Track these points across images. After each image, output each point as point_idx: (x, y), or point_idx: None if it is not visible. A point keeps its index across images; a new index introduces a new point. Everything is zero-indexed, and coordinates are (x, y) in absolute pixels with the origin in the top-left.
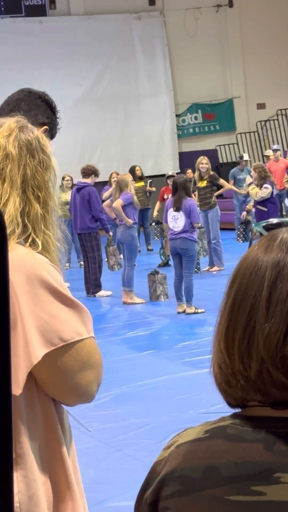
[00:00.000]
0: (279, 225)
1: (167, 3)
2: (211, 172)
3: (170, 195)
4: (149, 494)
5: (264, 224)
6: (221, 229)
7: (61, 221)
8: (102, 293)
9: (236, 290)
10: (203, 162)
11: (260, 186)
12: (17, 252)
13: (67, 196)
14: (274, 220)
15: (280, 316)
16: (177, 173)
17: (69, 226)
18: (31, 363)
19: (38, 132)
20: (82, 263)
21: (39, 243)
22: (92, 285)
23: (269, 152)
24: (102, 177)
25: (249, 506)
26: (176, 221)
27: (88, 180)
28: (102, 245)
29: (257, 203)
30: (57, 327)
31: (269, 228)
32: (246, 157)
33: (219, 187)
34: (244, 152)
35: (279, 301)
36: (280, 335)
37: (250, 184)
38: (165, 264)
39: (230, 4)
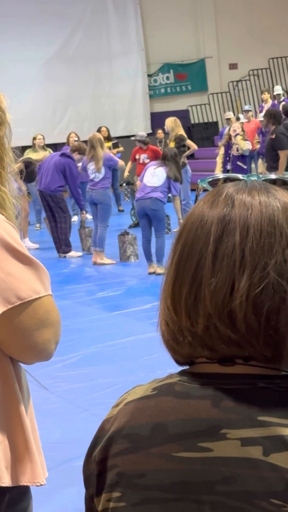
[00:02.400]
0: (225, 180)
1: None
2: (179, 133)
3: (142, 155)
4: (98, 452)
5: (210, 179)
6: (192, 190)
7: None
8: (72, 253)
9: (182, 246)
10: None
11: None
12: None
13: (38, 156)
14: (219, 175)
15: (226, 270)
16: (148, 134)
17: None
18: None
19: None
20: (38, 225)
21: None
22: (63, 245)
23: (229, 115)
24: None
25: (196, 462)
26: (154, 177)
27: (75, 156)
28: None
29: (237, 159)
30: (14, 285)
31: (214, 183)
32: (230, 115)
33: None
34: (216, 113)
35: (225, 255)
36: (226, 289)
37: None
38: (136, 225)
39: None
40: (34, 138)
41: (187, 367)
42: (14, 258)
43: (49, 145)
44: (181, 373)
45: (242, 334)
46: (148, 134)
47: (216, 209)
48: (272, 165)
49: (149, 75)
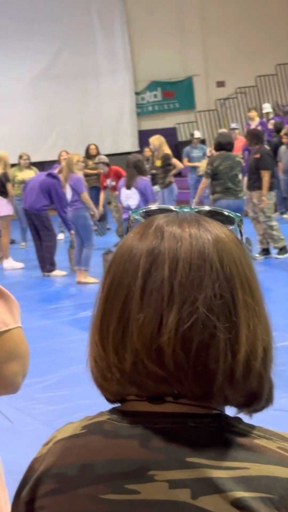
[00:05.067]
0: (157, 212)
1: None
2: (165, 152)
3: (108, 180)
4: (26, 493)
5: (142, 211)
6: None
7: (16, 199)
8: (56, 272)
9: (110, 279)
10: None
11: None
12: None
13: (24, 175)
14: (152, 206)
15: (154, 305)
16: (136, 152)
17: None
18: None
19: None
20: (24, 243)
21: None
22: (48, 264)
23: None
24: (54, 156)
25: (123, 505)
26: (128, 199)
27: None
28: (63, 245)
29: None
30: None
31: (147, 215)
32: (197, 134)
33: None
34: (198, 130)
35: (154, 289)
36: (154, 325)
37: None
38: None
39: None
40: (20, 157)
41: (119, 404)
42: None
43: (35, 163)
44: (112, 411)
45: (170, 370)
46: (136, 152)
47: (145, 241)
48: (255, 185)
49: (137, 93)
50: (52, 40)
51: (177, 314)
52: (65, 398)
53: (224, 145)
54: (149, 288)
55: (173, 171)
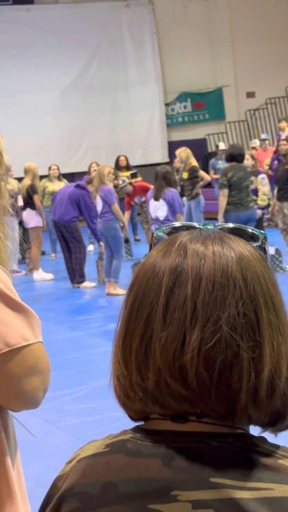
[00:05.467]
0: (181, 229)
1: None
2: (192, 164)
3: (135, 198)
4: (49, 511)
5: (165, 228)
6: (207, 218)
7: (47, 211)
8: (86, 284)
9: (133, 297)
10: (177, 154)
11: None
12: None
13: (54, 186)
14: (176, 224)
15: (177, 323)
16: (166, 163)
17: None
18: None
19: None
20: (53, 255)
21: None
22: (77, 275)
23: (255, 143)
24: (84, 168)
25: None
26: (157, 211)
27: (90, 188)
28: (93, 257)
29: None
30: (2, 331)
31: (171, 232)
32: (222, 146)
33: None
34: (228, 141)
35: (176, 308)
36: (177, 343)
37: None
38: None
39: None
40: (49, 168)
41: (142, 422)
42: (4, 304)
43: (66, 175)
44: (135, 429)
45: (193, 389)
46: (166, 163)
47: (169, 259)
48: (286, 195)
49: (167, 104)
50: (82, 52)
51: (200, 332)
52: (94, 410)
53: (235, 156)
54: (172, 306)
55: (200, 183)
